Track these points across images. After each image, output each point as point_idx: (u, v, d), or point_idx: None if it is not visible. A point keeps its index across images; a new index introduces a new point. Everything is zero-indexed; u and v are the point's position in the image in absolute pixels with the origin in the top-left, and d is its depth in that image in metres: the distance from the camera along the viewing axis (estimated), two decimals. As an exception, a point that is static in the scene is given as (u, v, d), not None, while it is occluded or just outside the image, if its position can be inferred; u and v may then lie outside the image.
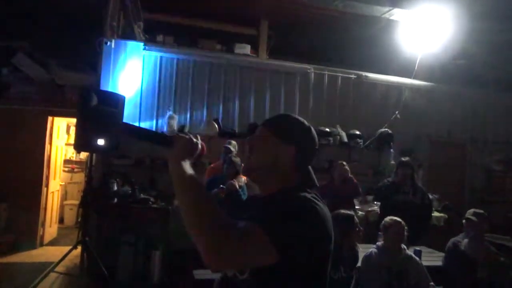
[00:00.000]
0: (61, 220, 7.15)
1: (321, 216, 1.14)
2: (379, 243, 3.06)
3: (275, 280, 1.08)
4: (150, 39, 6.05)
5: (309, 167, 1.31)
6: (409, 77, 6.38)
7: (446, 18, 5.67)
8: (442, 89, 6.72)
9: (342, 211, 2.87)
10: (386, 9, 5.77)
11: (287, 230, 1.04)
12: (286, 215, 1.07)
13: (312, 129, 1.33)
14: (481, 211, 3.37)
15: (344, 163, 4.61)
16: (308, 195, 1.17)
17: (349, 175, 4.61)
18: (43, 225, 5.76)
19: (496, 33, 6.27)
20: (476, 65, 7.00)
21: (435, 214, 5.48)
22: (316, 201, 1.16)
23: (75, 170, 7.90)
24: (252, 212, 1.15)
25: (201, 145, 1.24)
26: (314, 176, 1.30)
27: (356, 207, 5.04)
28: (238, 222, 1.05)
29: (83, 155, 7.33)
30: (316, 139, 1.33)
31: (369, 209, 5.22)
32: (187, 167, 1.15)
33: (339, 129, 5.85)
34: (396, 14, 5.89)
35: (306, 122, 1.33)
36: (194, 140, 1.22)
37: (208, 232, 0.99)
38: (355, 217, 2.84)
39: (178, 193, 1.13)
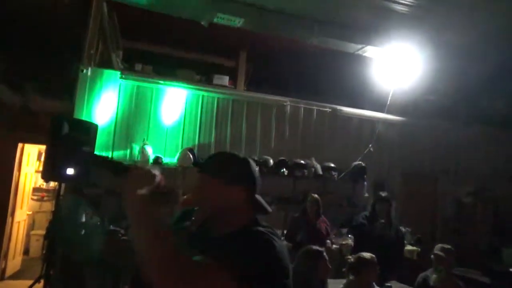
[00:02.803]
0: (26, 251, 6.83)
1: (278, 251, 1.15)
2: (351, 278, 3.02)
3: None
4: (128, 68, 6.07)
5: (257, 196, 1.31)
6: (382, 111, 6.59)
7: (416, 57, 5.94)
8: (414, 123, 6.93)
9: (312, 246, 2.90)
10: (359, 46, 6.00)
11: (247, 266, 1.05)
12: (246, 252, 1.09)
13: (249, 159, 1.34)
14: (449, 246, 3.42)
15: (316, 195, 4.63)
16: (264, 230, 1.18)
17: (320, 210, 4.61)
18: (5, 256, 5.48)
19: (464, 71, 6.61)
20: (446, 100, 7.30)
21: (408, 247, 5.52)
22: (272, 236, 1.18)
23: (45, 198, 7.63)
24: (213, 251, 1.13)
25: (160, 179, 1.19)
26: (264, 203, 1.32)
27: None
28: (198, 260, 1.05)
29: (54, 183, 7.11)
30: (256, 168, 1.34)
31: (343, 242, 5.21)
32: (143, 205, 1.08)
33: (314, 162, 5.90)
34: (369, 51, 6.13)
35: (240, 155, 1.34)
36: (152, 172, 1.17)
37: (165, 277, 0.99)
38: (324, 253, 2.84)
39: (133, 230, 1.10)
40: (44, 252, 6.25)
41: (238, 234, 1.18)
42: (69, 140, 3.95)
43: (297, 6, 5.33)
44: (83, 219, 4.56)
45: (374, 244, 3.74)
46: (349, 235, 5.28)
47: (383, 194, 4.44)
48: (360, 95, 6.93)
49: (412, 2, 5.02)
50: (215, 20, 5.29)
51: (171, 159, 5.35)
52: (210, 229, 1.31)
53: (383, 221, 4.27)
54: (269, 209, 1.32)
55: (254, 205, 1.29)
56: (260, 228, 1.19)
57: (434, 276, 3.27)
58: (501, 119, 7.25)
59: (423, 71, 6.11)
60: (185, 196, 3.66)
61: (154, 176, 1.16)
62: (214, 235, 1.27)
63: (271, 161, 5.62)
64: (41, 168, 6.70)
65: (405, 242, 5.50)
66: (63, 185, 4.45)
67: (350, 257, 3.11)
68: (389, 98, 6.44)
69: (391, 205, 4.38)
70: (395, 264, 4.26)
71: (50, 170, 3.99)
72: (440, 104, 7.33)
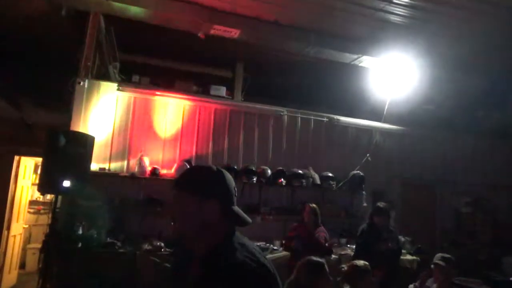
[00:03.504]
0: (22, 266, 6.75)
1: (258, 277, 1.12)
2: None
3: None
4: (126, 79, 6.08)
5: (235, 207, 1.28)
6: (379, 120, 6.61)
7: (412, 67, 5.99)
8: (412, 132, 6.95)
9: (313, 258, 2.81)
10: (355, 56, 6.05)
11: None
12: None
13: (223, 170, 1.31)
14: (448, 255, 3.39)
15: (314, 205, 4.60)
16: (241, 256, 1.15)
17: (319, 220, 4.57)
18: (1, 271, 5.42)
19: (460, 81, 6.67)
20: (443, 110, 7.33)
21: (408, 257, 5.49)
22: (251, 259, 1.14)
23: (41, 211, 7.57)
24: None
25: None
26: (242, 214, 1.28)
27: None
28: None
29: (50, 196, 7.06)
30: (231, 178, 1.31)
31: (342, 252, 5.17)
32: None
33: (312, 171, 5.89)
34: (365, 61, 6.18)
35: (213, 167, 1.31)
36: None
37: None
38: (325, 265, 2.77)
39: None
40: (40, 266, 6.19)
41: (216, 266, 1.15)
42: (65, 153, 3.94)
43: (293, 18, 5.38)
44: (80, 232, 4.53)
45: (375, 256, 3.70)
46: (348, 245, 5.25)
47: (381, 205, 4.37)
48: (357, 105, 6.96)
49: (407, 13, 5.08)
50: (211, 32, 5.33)
51: (168, 170, 5.33)
52: (190, 249, 1.29)
53: (384, 233, 4.23)
54: (248, 220, 1.27)
55: (232, 217, 1.26)
56: (239, 255, 1.15)
57: (434, 286, 3.24)
58: (498, 130, 7.27)
59: (419, 81, 6.16)
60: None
61: None
62: (194, 255, 1.25)
63: (269, 171, 5.61)
64: (37, 181, 6.69)
65: (404, 251, 5.48)
66: (59, 197, 4.42)
67: (344, 266, 3.07)
68: (386, 107, 6.47)
69: (389, 216, 4.35)
70: (395, 274, 4.24)
71: (46, 183, 3.97)
72: (437, 113, 7.37)
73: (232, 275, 1.11)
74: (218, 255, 1.16)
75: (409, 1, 4.79)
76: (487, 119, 7.27)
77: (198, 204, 1.21)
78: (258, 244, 5.06)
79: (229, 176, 1.30)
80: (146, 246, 4.61)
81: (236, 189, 1.31)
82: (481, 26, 5.16)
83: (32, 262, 6.99)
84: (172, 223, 1.27)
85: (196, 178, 1.28)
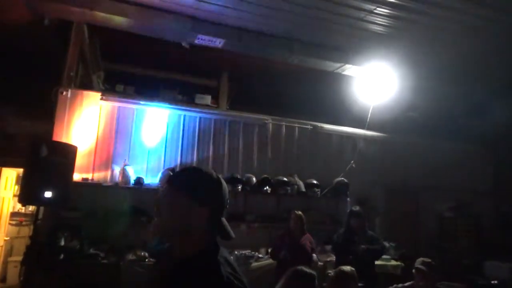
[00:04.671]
0: (3, 279, 6.59)
1: None
2: None
3: None
4: (110, 89, 6.06)
5: (223, 219, 1.26)
6: (363, 128, 6.70)
7: (394, 76, 6.11)
8: (395, 139, 7.07)
9: (304, 268, 2.70)
10: (339, 64, 6.15)
11: None
12: None
13: (222, 180, 1.28)
14: (429, 260, 3.45)
15: (300, 212, 4.63)
16: (226, 273, 1.12)
17: (304, 227, 4.61)
18: (-20, 285, 5.29)
19: (440, 89, 6.83)
20: (425, 117, 7.48)
21: (392, 262, 5.55)
22: (235, 277, 1.13)
23: (23, 223, 7.43)
24: None
25: None
26: (229, 228, 1.25)
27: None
28: None
29: (32, 207, 6.94)
30: (227, 191, 1.29)
31: (328, 259, 5.20)
32: None
33: (297, 179, 5.93)
34: (348, 69, 6.28)
35: (214, 174, 1.27)
36: None
37: None
38: (316, 278, 2.70)
39: None
40: (21, 279, 6.06)
41: (193, 275, 1.12)
42: (47, 163, 3.90)
43: (276, 27, 5.45)
44: (62, 243, 4.46)
45: (353, 259, 3.78)
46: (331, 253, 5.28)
47: (356, 208, 4.50)
48: (341, 112, 7.05)
49: (387, 23, 5.20)
50: (196, 41, 5.37)
51: (153, 179, 5.30)
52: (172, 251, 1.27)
53: (360, 235, 4.31)
54: (232, 235, 1.25)
55: (218, 228, 1.23)
56: (215, 268, 1.12)
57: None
58: (478, 136, 7.43)
59: (401, 88, 6.27)
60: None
61: None
62: (175, 259, 1.22)
63: (254, 179, 5.63)
64: (19, 192, 6.57)
65: (388, 257, 5.55)
66: (41, 208, 4.36)
67: (330, 271, 3.09)
68: (369, 114, 6.57)
69: (365, 218, 4.43)
70: (376, 276, 4.31)
71: (28, 194, 3.92)
72: (419, 120, 7.52)
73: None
74: (198, 265, 1.14)
75: (389, 12, 4.90)
76: (468, 126, 7.43)
77: (189, 208, 1.18)
78: (244, 252, 5.06)
79: (225, 187, 1.28)
80: (130, 256, 4.56)
81: (228, 201, 1.29)
82: (458, 36, 5.31)
83: (14, 276, 6.82)
84: (155, 218, 1.26)
85: (196, 181, 1.24)
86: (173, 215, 1.21)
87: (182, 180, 1.27)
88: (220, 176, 1.31)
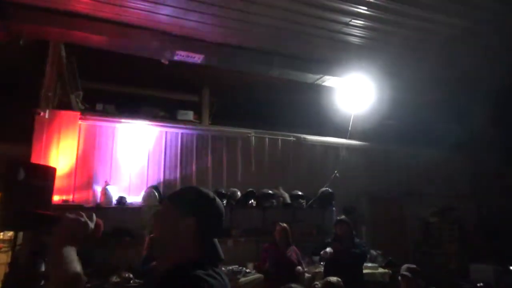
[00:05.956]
0: (-19, 309, 6.31)
1: None
2: None
3: None
4: (89, 108, 5.98)
5: (215, 240, 1.27)
6: (345, 137, 6.77)
7: (373, 85, 6.23)
8: (376, 147, 7.17)
9: (293, 285, 2.79)
10: (318, 76, 6.23)
11: None
12: None
13: (217, 199, 1.31)
14: (414, 266, 3.47)
15: (284, 224, 4.63)
16: (203, 274, 1.11)
17: (289, 239, 4.61)
18: (-44, 317, 5.04)
19: (418, 98, 6.99)
20: (404, 124, 7.62)
21: (380, 270, 5.56)
22: (211, 279, 1.11)
23: (2, 249, 7.16)
24: None
25: (97, 225, 1.20)
26: (219, 250, 1.26)
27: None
28: None
29: (10, 232, 6.71)
30: (222, 209, 1.31)
31: (316, 270, 5.18)
32: (67, 253, 1.12)
33: (282, 191, 5.94)
34: (328, 80, 6.37)
35: (211, 194, 1.32)
36: (83, 219, 1.17)
37: None
38: None
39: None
40: (0, 308, 5.82)
41: (172, 277, 1.11)
42: (25, 186, 3.79)
43: (255, 42, 5.50)
44: (43, 269, 4.32)
45: (340, 268, 3.79)
46: (321, 263, 5.26)
47: (340, 217, 4.55)
48: (323, 123, 7.12)
49: (364, 35, 5.31)
50: (175, 57, 5.36)
51: (136, 198, 5.22)
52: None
53: (346, 242, 4.33)
54: (222, 258, 1.25)
55: (207, 247, 1.23)
56: (199, 273, 1.11)
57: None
58: (456, 142, 7.59)
59: (380, 98, 6.39)
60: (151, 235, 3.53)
61: (86, 224, 1.18)
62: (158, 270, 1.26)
63: (239, 193, 5.60)
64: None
65: (375, 265, 5.56)
66: (20, 234, 4.22)
67: (317, 282, 3.09)
68: (351, 124, 6.65)
69: (350, 226, 4.45)
70: (363, 283, 4.33)
71: (5, 219, 3.79)
72: (398, 128, 7.65)
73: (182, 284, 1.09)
74: (176, 272, 1.14)
75: (364, 23, 5.01)
76: (446, 132, 7.59)
77: (176, 218, 1.22)
78: (231, 267, 5.00)
79: (220, 207, 1.30)
80: (115, 279, 4.45)
81: (223, 220, 1.31)
82: (436, 46, 5.46)
83: (-7, 305, 6.56)
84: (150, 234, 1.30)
85: (187, 195, 1.31)
86: (162, 225, 1.27)
87: (175, 194, 1.35)
88: (216, 196, 1.34)
